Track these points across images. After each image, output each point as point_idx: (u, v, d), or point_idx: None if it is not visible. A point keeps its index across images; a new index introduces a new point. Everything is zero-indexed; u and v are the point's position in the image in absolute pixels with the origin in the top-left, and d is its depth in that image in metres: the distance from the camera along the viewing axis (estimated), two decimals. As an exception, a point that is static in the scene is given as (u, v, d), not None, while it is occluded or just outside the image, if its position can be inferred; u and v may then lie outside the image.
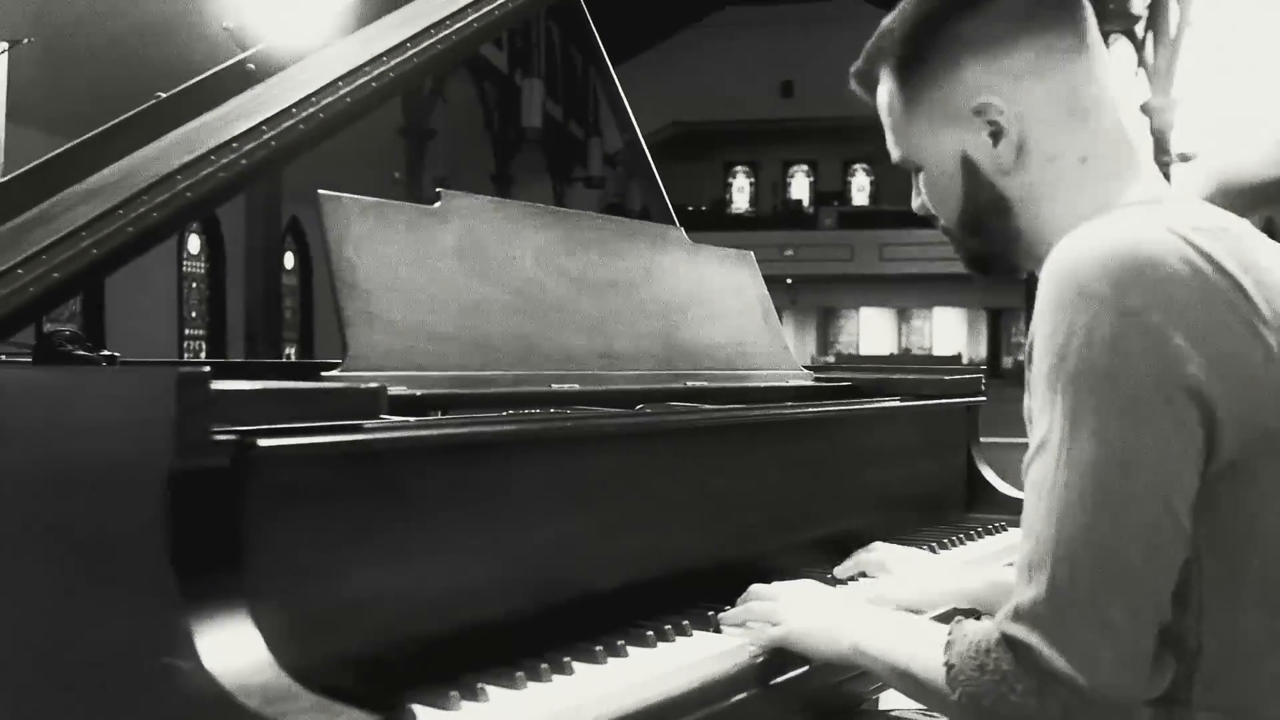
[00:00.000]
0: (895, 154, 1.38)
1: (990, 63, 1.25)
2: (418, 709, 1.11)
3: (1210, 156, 17.92)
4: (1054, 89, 1.24)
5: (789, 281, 31.29)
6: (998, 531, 2.19)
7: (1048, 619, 1.04)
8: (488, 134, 22.38)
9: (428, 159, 18.03)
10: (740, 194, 34.46)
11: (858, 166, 33.86)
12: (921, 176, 1.36)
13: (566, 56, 25.59)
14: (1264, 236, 1.20)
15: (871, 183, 33.76)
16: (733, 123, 31.27)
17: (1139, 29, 17.24)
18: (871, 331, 33.03)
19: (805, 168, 34.22)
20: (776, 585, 1.52)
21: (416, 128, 17.42)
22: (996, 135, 1.25)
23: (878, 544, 1.81)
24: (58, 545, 1.20)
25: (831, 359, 25.13)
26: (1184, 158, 16.79)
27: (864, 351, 31.35)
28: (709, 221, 31.68)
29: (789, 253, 30.28)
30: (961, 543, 2.09)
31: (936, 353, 31.46)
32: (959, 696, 1.10)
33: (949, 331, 32.63)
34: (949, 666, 1.12)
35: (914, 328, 33.45)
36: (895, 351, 31.40)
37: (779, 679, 1.44)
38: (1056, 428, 1.08)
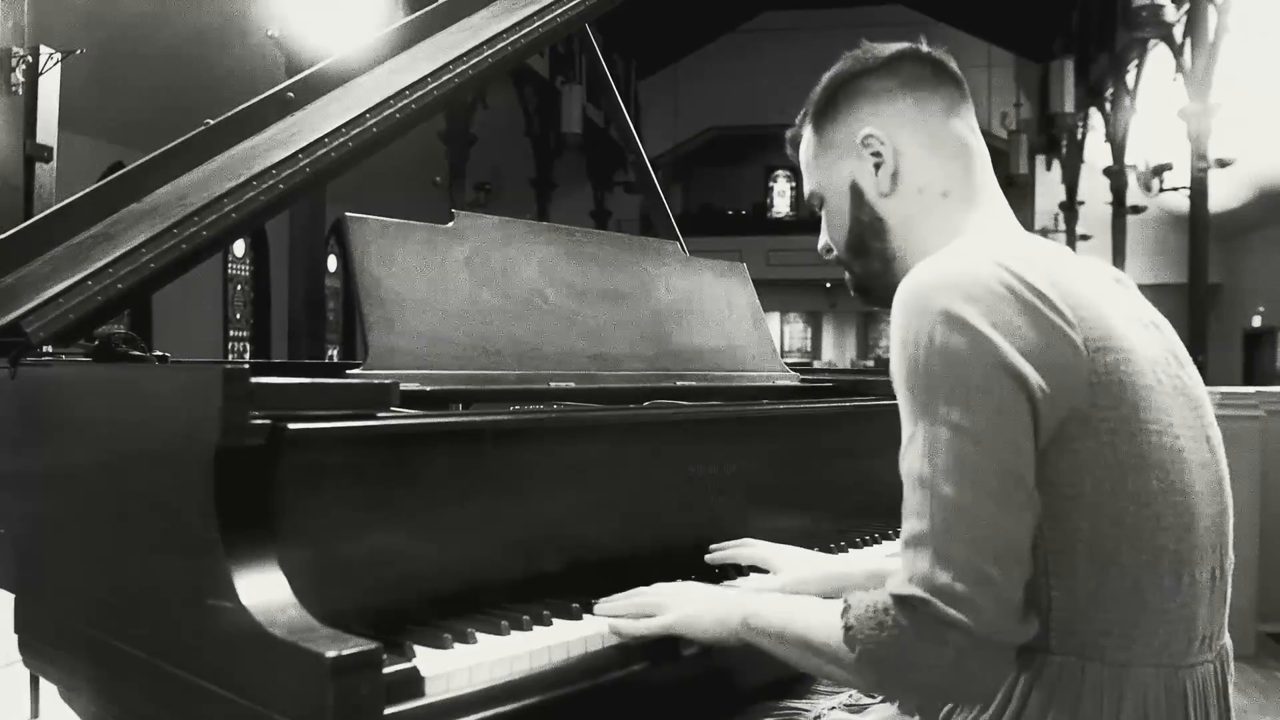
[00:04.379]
0: (807, 189, 1.66)
1: (877, 108, 1.55)
2: (416, 647, 1.34)
3: (1247, 162, 17.88)
4: (924, 134, 1.54)
5: (828, 286, 31.30)
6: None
7: (935, 579, 1.23)
8: (528, 139, 22.57)
9: (469, 164, 18.26)
10: (781, 198, 34.40)
11: (898, 170, 33.78)
12: (824, 211, 1.64)
13: (609, 63, 25.73)
14: (1077, 259, 1.44)
15: (912, 187, 33.68)
16: (774, 127, 31.20)
17: (1177, 34, 17.23)
18: (911, 336, 32.84)
19: (846, 172, 34.15)
20: (658, 585, 1.62)
21: (457, 133, 17.64)
22: (878, 166, 1.54)
23: (753, 540, 1.90)
24: (126, 509, 1.47)
25: (871, 363, 25.08)
26: (1221, 163, 16.75)
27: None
28: (749, 225, 31.77)
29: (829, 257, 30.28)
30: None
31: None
32: (858, 654, 1.27)
33: (988, 336, 32.40)
34: (847, 629, 1.29)
35: (953, 332, 33.24)
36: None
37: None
38: (920, 426, 1.29)
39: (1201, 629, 1.35)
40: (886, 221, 1.56)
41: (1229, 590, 1.41)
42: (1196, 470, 1.35)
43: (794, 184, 33.95)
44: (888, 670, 1.27)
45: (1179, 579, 1.32)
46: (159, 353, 2.05)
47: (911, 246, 1.53)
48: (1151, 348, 1.38)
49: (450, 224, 2.02)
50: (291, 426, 1.33)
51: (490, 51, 2.29)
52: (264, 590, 1.25)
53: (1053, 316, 1.29)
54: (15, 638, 1.75)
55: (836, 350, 32.60)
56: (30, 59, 7.51)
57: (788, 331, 32.59)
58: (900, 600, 1.25)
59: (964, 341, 1.27)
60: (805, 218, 32.71)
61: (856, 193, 1.57)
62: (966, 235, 1.48)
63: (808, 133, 1.65)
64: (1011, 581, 1.24)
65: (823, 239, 1.67)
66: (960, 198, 1.53)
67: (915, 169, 1.53)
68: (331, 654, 1.13)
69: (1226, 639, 1.41)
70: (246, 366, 1.30)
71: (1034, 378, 1.26)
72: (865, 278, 1.62)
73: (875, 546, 2.16)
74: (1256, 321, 23.75)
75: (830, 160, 1.61)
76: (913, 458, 1.29)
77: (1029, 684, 1.32)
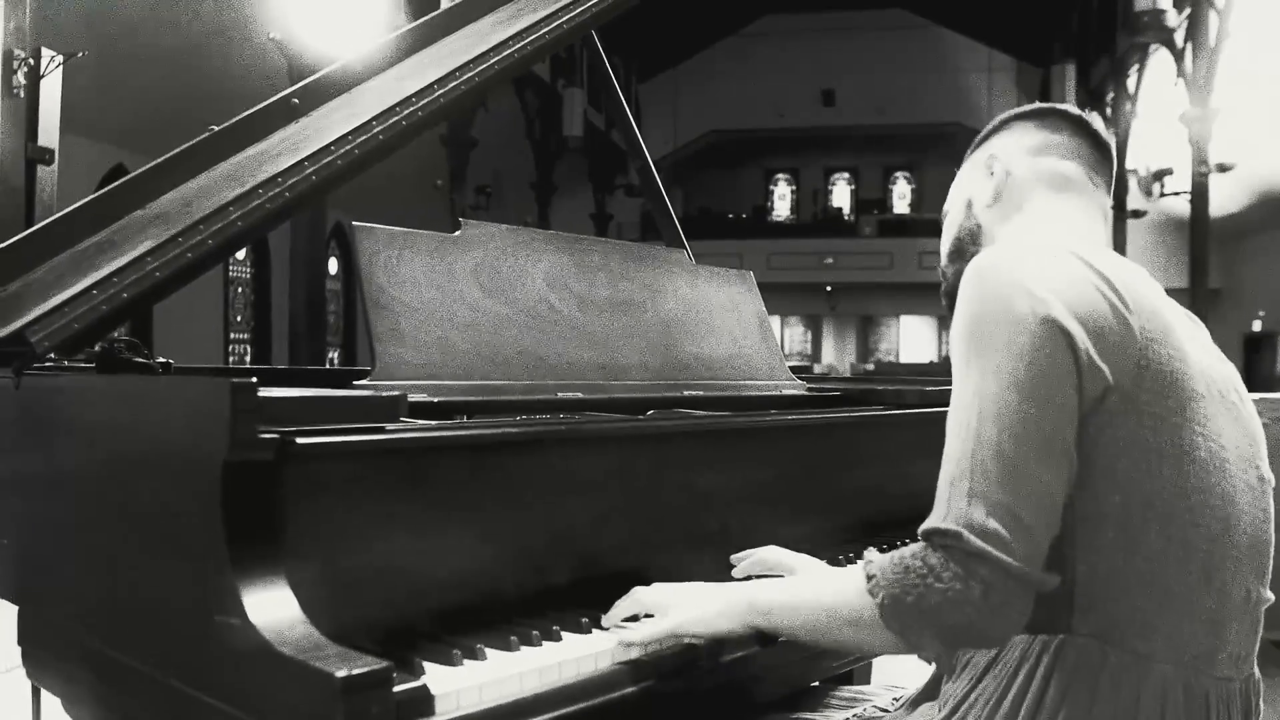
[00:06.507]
0: (945, 205, 1.80)
1: (1008, 140, 1.69)
2: (426, 664, 1.32)
3: (1248, 167, 17.90)
4: (1038, 165, 1.65)
5: (829, 289, 31.33)
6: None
7: (969, 515, 1.25)
8: (529, 143, 22.60)
9: (470, 167, 18.27)
10: (781, 201, 34.50)
11: (899, 174, 33.90)
12: (944, 222, 1.76)
13: (611, 67, 25.78)
14: (1148, 276, 1.46)
15: (913, 191, 33.78)
16: (774, 130, 31.37)
17: (1178, 39, 17.26)
18: (912, 339, 32.96)
19: (846, 175, 34.26)
20: (657, 585, 1.60)
21: (459, 137, 17.65)
22: (991, 181, 1.67)
23: (773, 547, 1.88)
24: (132, 523, 1.45)
25: (871, 366, 25.11)
26: (1222, 168, 16.77)
27: (904, 359, 31.27)
28: (749, 229, 31.80)
29: (829, 260, 30.33)
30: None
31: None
32: (882, 599, 1.29)
33: (989, 340, 32.42)
34: (870, 578, 1.32)
35: (954, 336, 33.29)
36: (935, 360, 31.17)
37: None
38: (972, 375, 1.32)
39: (1231, 645, 1.35)
40: (984, 230, 1.67)
41: (1260, 622, 1.40)
42: (1241, 489, 1.36)
43: (794, 188, 34.06)
44: (913, 614, 1.28)
45: (1208, 580, 1.32)
46: (162, 359, 2.03)
47: None
48: (1211, 370, 1.41)
49: (458, 233, 2.01)
50: (300, 440, 1.32)
51: (497, 58, 2.28)
52: (272, 607, 1.23)
53: (1112, 298, 1.34)
54: (18, 647, 1.74)
55: (837, 353, 32.62)
56: (32, 61, 7.51)
57: (788, 334, 32.61)
58: (931, 536, 1.28)
59: (1022, 300, 1.32)
60: (805, 221, 32.86)
61: (969, 206, 1.70)
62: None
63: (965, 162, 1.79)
64: (1042, 529, 1.27)
65: (941, 272, 1.78)
66: (1055, 222, 1.60)
67: (1019, 189, 1.64)
68: (342, 673, 1.11)
69: (1258, 672, 1.41)
70: (254, 380, 1.28)
71: (1082, 340, 1.30)
72: (957, 283, 1.65)
73: (884, 557, 2.14)
74: (1256, 326, 23.77)
75: (963, 177, 1.74)
76: (959, 406, 1.33)
77: (1050, 666, 1.32)
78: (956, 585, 1.24)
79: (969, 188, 1.71)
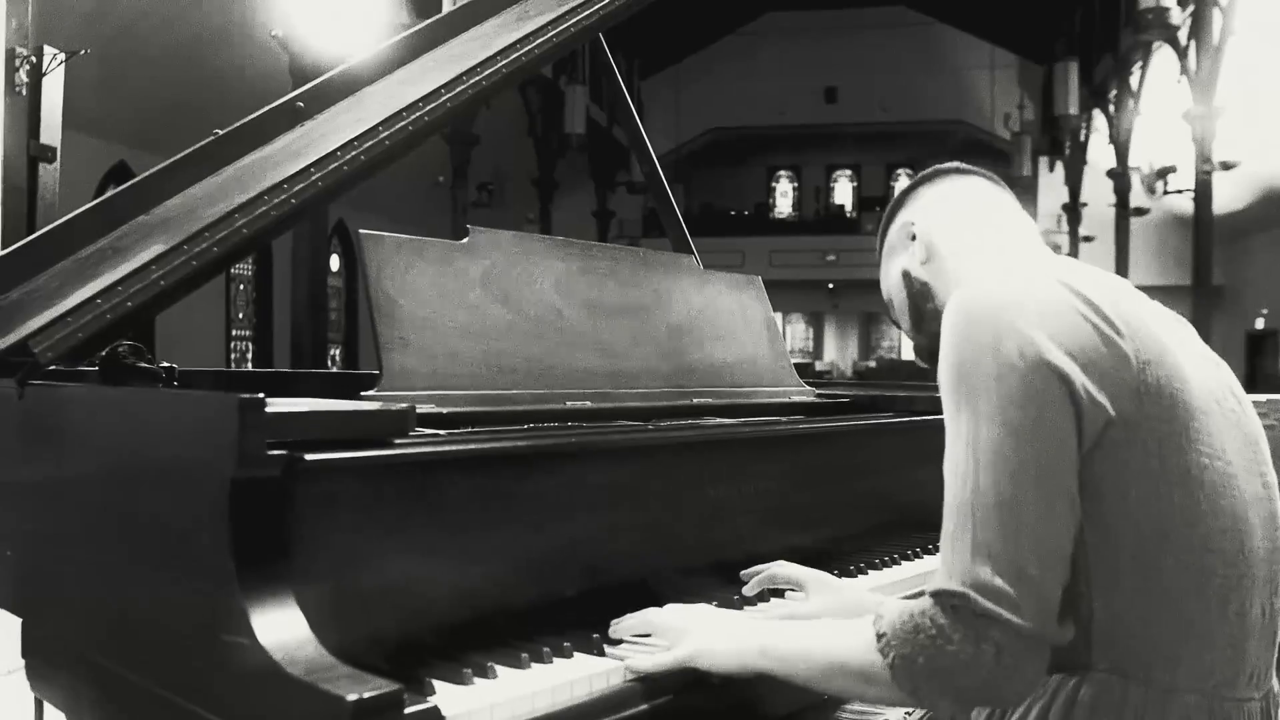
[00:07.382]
0: (884, 297, 1.80)
1: (913, 204, 1.73)
2: (436, 683, 1.31)
3: (1251, 164, 17.86)
4: (952, 207, 1.68)
5: (831, 286, 31.31)
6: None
7: (975, 573, 1.22)
8: (531, 139, 22.57)
9: (472, 164, 18.24)
10: (783, 198, 34.47)
11: (901, 171, 33.82)
12: (894, 310, 1.76)
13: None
14: (1138, 293, 1.45)
15: (914, 187, 33.74)
16: (776, 128, 31.33)
17: (1182, 37, 17.23)
18: (913, 337, 32.85)
19: (848, 172, 34.23)
20: (671, 607, 1.58)
21: (461, 134, 17.61)
22: (916, 244, 1.68)
23: (785, 562, 1.86)
24: (137, 539, 1.43)
25: (873, 364, 25.07)
26: (1225, 165, 16.74)
27: (906, 357, 31.23)
28: (751, 226, 31.80)
29: (831, 258, 30.32)
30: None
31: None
32: (892, 659, 1.25)
33: (990, 337, 32.45)
34: (880, 635, 1.28)
35: (955, 333, 33.32)
36: (937, 357, 31.00)
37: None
38: (964, 422, 1.29)
39: (1250, 664, 1.33)
40: (931, 285, 1.66)
41: (1278, 634, 1.38)
42: (1250, 502, 1.35)
43: (796, 185, 34.03)
44: (925, 675, 1.25)
45: (1226, 605, 1.31)
46: (165, 364, 2.01)
47: None
48: (1209, 379, 1.39)
49: (465, 240, 1.99)
50: (308, 457, 1.29)
51: (505, 62, 2.25)
52: (281, 627, 1.21)
53: (1102, 325, 1.31)
54: (18, 654, 1.72)
55: (839, 350, 32.61)
56: (34, 59, 7.48)
57: (790, 332, 32.61)
58: (939, 597, 1.24)
59: (1009, 341, 1.29)
60: (808, 218, 32.85)
61: (906, 276, 1.70)
62: (1006, 257, 1.56)
63: (879, 249, 1.81)
64: (1050, 581, 1.24)
65: (913, 346, 1.78)
66: (993, 248, 1.60)
67: (947, 238, 1.65)
68: (352, 696, 1.09)
69: (1275, 683, 1.39)
70: (261, 395, 1.25)
71: (1078, 377, 1.27)
72: (931, 340, 1.65)
73: (895, 567, 2.12)
74: (1259, 324, 23.73)
75: (888, 261, 1.76)
76: (955, 454, 1.30)
77: (1068, 701, 1.31)
78: (968, 648, 1.22)
79: (898, 263, 1.72)
